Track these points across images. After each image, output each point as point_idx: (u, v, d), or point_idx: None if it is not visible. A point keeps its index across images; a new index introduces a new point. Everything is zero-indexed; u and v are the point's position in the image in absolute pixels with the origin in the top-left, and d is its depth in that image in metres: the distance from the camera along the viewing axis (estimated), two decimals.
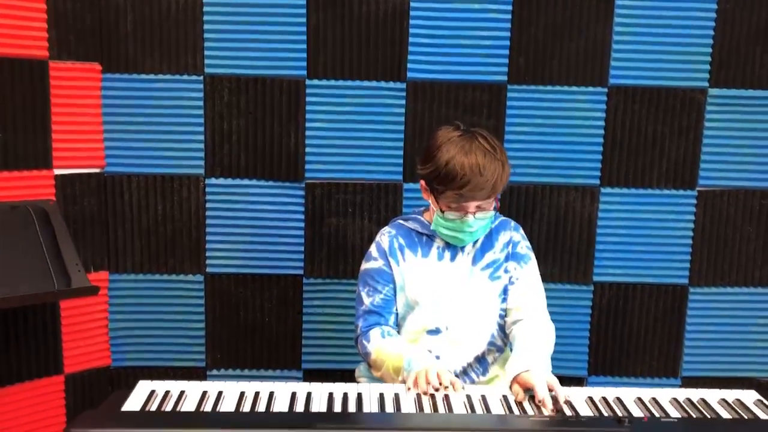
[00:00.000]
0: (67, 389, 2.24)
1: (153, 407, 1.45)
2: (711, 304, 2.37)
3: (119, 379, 2.34)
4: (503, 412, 1.48)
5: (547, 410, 1.47)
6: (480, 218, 1.70)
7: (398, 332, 1.81)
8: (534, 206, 2.31)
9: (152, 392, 1.52)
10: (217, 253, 2.31)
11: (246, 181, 2.28)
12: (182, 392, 1.52)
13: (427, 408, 1.49)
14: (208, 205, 2.29)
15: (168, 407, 1.46)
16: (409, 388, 1.56)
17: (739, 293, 2.36)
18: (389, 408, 1.48)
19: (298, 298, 2.35)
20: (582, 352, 2.38)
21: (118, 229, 2.28)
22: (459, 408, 1.48)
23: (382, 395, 1.54)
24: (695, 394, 1.61)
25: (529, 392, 1.54)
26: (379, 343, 1.72)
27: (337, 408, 1.48)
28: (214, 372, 2.36)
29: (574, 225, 2.33)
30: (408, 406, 1.49)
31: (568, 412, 1.48)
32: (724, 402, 1.57)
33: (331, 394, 1.53)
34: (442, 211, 1.69)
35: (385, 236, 1.83)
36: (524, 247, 1.85)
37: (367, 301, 1.79)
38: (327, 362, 2.38)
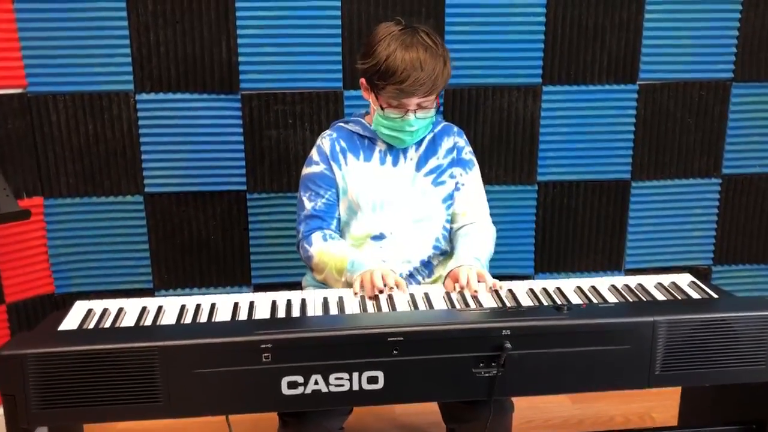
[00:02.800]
0: (10, 318, 2.20)
1: (90, 325, 1.42)
2: (652, 197, 2.41)
3: (65, 306, 2.27)
4: (446, 308, 1.49)
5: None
6: (421, 117, 1.66)
7: (342, 238, 1.79)
8: (477, 108, 2.28)
9: (89, 311, 1.49)
10: (154, 172, 2.24)
11: (179, 95, 2.18)
12: (120, 309, 1.49)
13: (371, 308, 1.49)
14: (140, 122, 2.19)
15: (106, 324, 1.43)
16: (356, 293, 1.55)
17: (678, 185, 2.40)
18: (333, 311, 1.48)
19: (243, 213, 2.31)
20: (528, 251, 2.42)
21: (48, 152, 2.18)
22: (403, 306, 1.49)
23: (326, 299, 1.53)
24: (633, 280, 1.64)
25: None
26: (321, 246, 1.71)
27: (281, 314, 1.47)
28: (163, 293, 2.34)
29: (517, 125, 2.31)
30: (352, 308, 1.50)
31: (509, 303, 1.50)
32: (660, 286, 1.62)
33: (274, 302, 1.52)
34: (383, 109, 1.65)
35: (326, 139, 1.78)
36: (468, 152, 1.84)
37: (308, 205, 1.75)
38: (278, 276, 2.38)
